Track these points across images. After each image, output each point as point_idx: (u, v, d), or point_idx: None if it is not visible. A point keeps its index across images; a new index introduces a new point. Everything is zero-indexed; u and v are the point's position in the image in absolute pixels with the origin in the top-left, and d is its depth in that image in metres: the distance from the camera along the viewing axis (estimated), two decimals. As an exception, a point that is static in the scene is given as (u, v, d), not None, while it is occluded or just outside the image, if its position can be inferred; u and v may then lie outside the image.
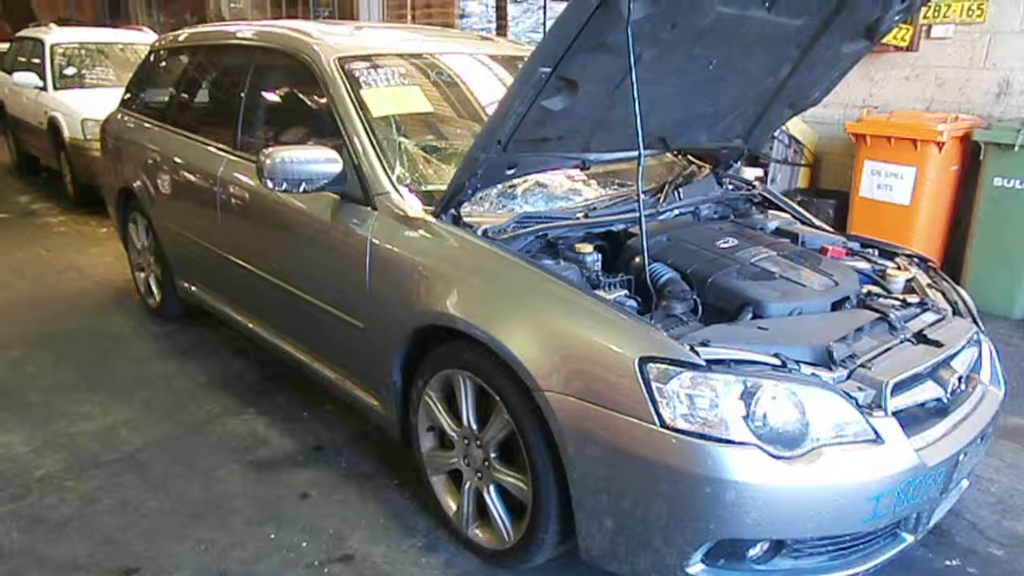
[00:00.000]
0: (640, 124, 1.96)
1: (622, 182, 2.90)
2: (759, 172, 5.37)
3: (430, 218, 2.28)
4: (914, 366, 1.93)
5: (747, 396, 1.71)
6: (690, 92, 2.39)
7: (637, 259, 2.33)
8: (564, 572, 2.18)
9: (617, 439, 1.77)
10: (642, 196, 2.20)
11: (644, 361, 1.75)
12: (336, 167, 2.42)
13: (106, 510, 2.46)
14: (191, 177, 3.35)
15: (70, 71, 6.90)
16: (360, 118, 2.57)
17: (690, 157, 3.24)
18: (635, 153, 2.68)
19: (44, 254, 5.24)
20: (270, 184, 2.37)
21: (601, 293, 2.03)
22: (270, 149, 2.40)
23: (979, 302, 4.51)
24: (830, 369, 1.84)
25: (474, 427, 2.18)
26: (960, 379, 2.03)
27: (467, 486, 2.24)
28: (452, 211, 2.27)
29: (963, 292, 2.50)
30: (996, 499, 2.60)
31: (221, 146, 3.22)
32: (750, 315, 2.06)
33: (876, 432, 1.76)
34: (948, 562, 2.28)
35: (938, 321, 2.21)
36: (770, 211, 3.04)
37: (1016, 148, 4.08)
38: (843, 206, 4.87)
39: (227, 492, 2.56)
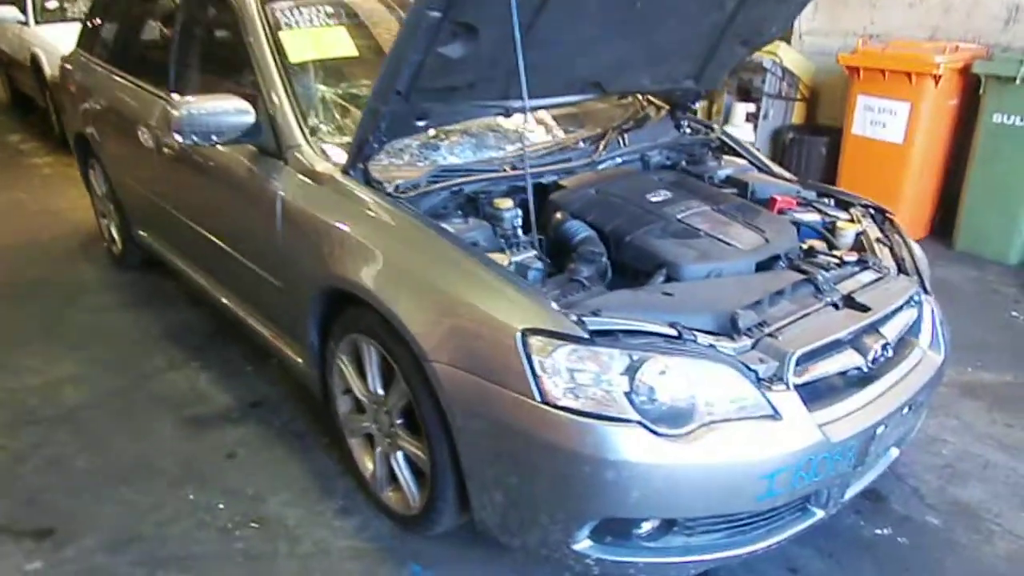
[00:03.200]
0: (524, 71, 1.80)
1: (566, 128, 2.74)
2: (751, 107, 5.15)
3: (337, 174, 2.17)
4: (830, 334, 1.80)
5: (631, 371, 1.61)
6: (620, 32, 2.21)
7: (557, 215, 2.21)
8: (476, 539, 2.15)
9: (502, 413, 1.69)
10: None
11: (526, 333, 1.65)
12: (248, 118, 2.30)
13: (34, 469, 2.47)
14: (132, 124, 3.25)
15: (52, 4, 6.72)
16: (276, 63, 2.43)
17: (651, 99, 3.05)
18: (568, 98, 2.59)
19: (23, 197, 5.23)
20: (179, 138, 2.26)
21: (500, 257, 1.91)
22: (178, 99, 2.30)
23: (974, 247, 4.32)
24: (732, 339, 1.72)
25: (380, 393, 2.12)
26: (886, 346, 1.89)
27: (378, 451, 2.20)
28: (361, 166, 2.15)
29: (915, 247, 2.33)
30: (945, 462, 2.49)
31: (156, 91, 3.10)
32: (663, 278, 1.94)
33: (773, 407, 1.66)
34: (878, 531, 2.20)
35: (875, 281, 2.06)
36: (727, 157, 2.86)
37: (1018, 82, 3.79)
38: (835, 144, 4.62)
39: (157, 451, 2.55)
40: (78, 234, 4.54)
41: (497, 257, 1.91)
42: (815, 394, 1.77)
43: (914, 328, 2.09)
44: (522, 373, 1.64)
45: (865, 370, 1.86)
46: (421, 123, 2.16)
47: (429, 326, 1.81)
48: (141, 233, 3.64)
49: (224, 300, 2.93)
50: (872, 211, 2.50)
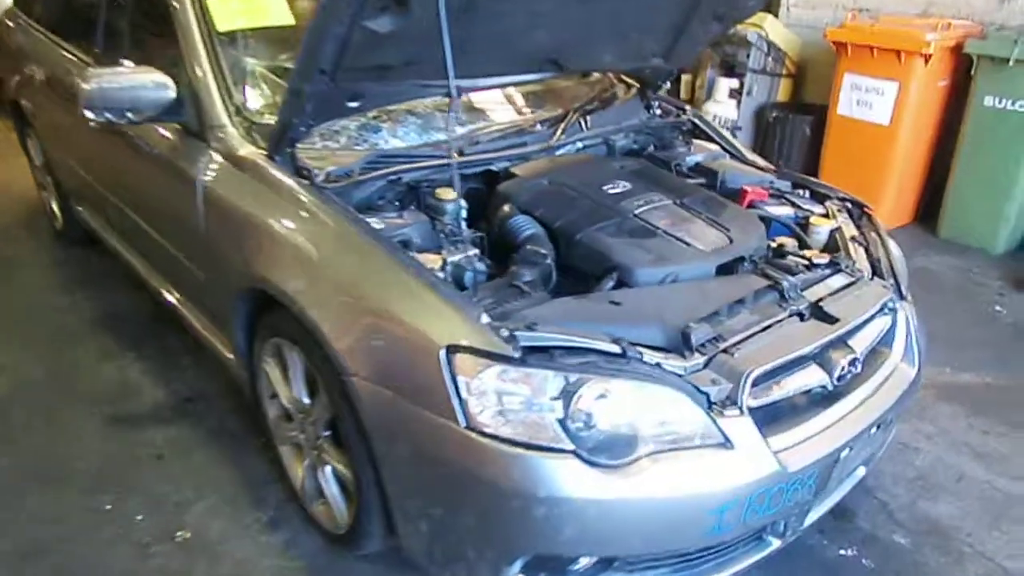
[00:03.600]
0: (453, 47, 1.61)
1: (526, 108, 2.54)
2: (734, 83, 4.92)
3: (261, 160, 1.96)
4: (792, 350, 1.64)
5: (567, 395, 1.44)
6: (576, 7, 2.00)
7: (504, 208, 2.02)
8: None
9: (425, 439, 1.52)
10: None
11: (451, 350, 1.47)
12: (167, 94, 2.09)
13: (-62, 470, 2.30)
14: (62, 94, 3.01)
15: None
16: (200, 32, 2.21)
17: (623, 77, 2.84)
18: (524, 77, 2.38)
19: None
20: (90, 115, 2.05)
21: (432, 258, 1.72)
22: (90, 72, 2.07)
23: (959, 234, 4.16)
24: (683, 356, 1.55)
25: (306, 402, 1.94)
26: (854, 361, 1.73)
27: (306, 462, 2.03)
28: (288, 151, 1.94)
29: (892, 247, 2.16)
30: (917, 474, 2.35)
31: (85, 58, 2.86)
32: (613, 282, 1.76)
33: (724, 435, 1.50)
34: (842, 551, 2.06)
35: (847, 286, 1.89)
36: (698, 142, 2.67)
37: (1011, 63, 3.59)
38: (821, 124, 4.41)
39: (77, 452, 2.37)
40: (24, 206, 4.29)
41: (430, 258, 1.72)
42: (772, 416, 1.61)
43: (887, 337, 1.93)
44: (446, 395, 1.46)
45: (830, 388, 1.70)
46: (354, 104, 1.95)
47: (349, 337, 1.62)
48: (78, 208, 3.42)
49: (157, 286, 2.73)
50: (849, 205, 2.32)
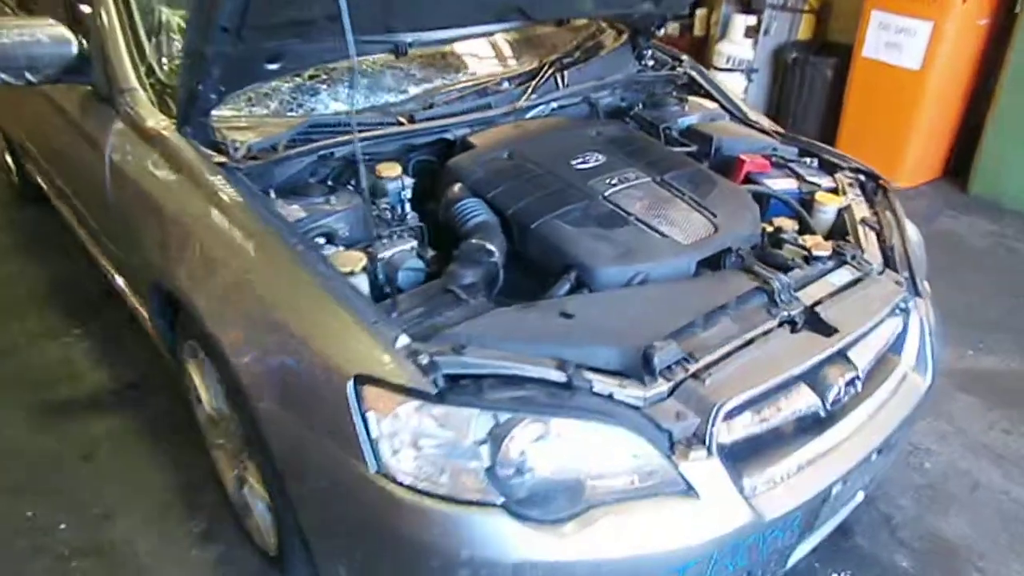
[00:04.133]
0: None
1: (492, 62, 2.22)
2: (751, 20, 4.49)
3: (170, 132, 1.69)
4: (778, 371, 1.37)
5: (496, 438, 1.20)
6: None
7: (454, 188, 1.74)
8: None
9: (336, 478, 1.29)
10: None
11: (360, 381, 1.22)
12: (67, 50, 1.81)
13: None
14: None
15: None
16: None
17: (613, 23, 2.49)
18: (485, 28, 2.07)
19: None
20: (-18, 76, 1.78)
21: (351, 257, 1.45)
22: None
23: (991, 190, 3.78)
24: (643, 383, 1.29)
25: (226, 412, 1.72)
26: (854, 380, 1.46)
27: (235, 472, 1.82)
28: (200, 122, 1.66)
29: (910, 230, 1.86)
30: (927, 482, 2.10)
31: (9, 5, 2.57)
32: (569, 284, 1.49)
33: (687, 482, 1.25)
34: (835, 575, 1.83)
35: (853, 283, 1.61)
36: (694, 99, 2.34)
37: (1063, -2, 3.17)
38: (844, 67, 4.01)
39: (4, 447, 2.18)
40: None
41: (352, 256, 1.45)
42: (749, 449, 1.35)
43: (897, 343, 1.65)
44: (355, 435, 1.22)
45: (822, 414, 1.44)
46: (273, 66, 1.66)
47: (252, 355, 1.38)
48: (28, 165, 3.17)
49: (94, 255, 2.49)
50: (863, 177, 2.01)
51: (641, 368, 1.29)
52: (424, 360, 1.21)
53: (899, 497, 2.04)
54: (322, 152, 1.70)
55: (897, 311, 1.64)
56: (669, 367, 1.31)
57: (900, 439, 1.63)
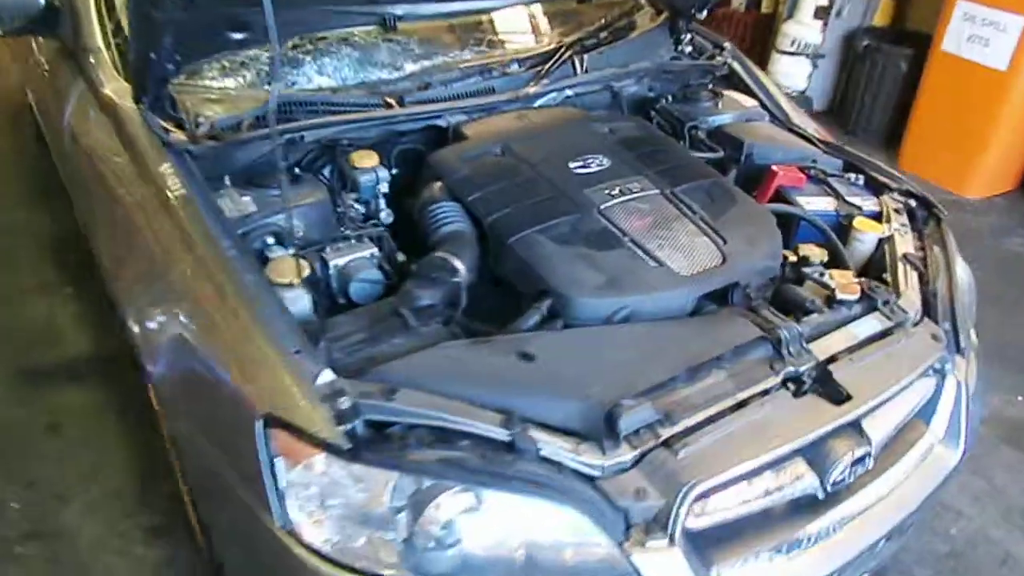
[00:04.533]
0: None
1: (503, 38, 2.00)
2: (822, 0, 4.10)
3: (127, 102, 1.53)
4: (769, 445, 1.16)
5: (418, 505, 1.02)
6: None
7: (434, 186, 1.54)
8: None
9: (242, 522, 1.14)
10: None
11: (270, 423, 1.06)
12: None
13: None
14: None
15: None
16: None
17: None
18: (487, 3, 1.85)
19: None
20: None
21: (288, 269, 1.28)
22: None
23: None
24: (603, 450, 1.09)
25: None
26: (863, 459, 1.24)
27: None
28: (159, 93, 1.50)
29: (960, 271, 1.59)
30: (950, 548, 1.86)
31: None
32: (538, 316, 1.29)
33: (641, 576, 1.06)
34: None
35: (880, 335, 1.37)
36: (731, 94, 2.08)
37: None
38: (921, 60, 3.63)
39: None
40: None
41: (289, 266, 1.28)
42: (724, 532, 1.15)
43: (927, 408, 1.41)
44: (263, 482, 1.06)
45: (820, 496, 1.22)
46: (239, 35, 1.49)
47: (165, 368, 1.23)
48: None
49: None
50: (913, 203, 1.74)
51: (603, 430, 1.10)
52: (344, 404, 1.04)
53: (916, 566, 1.81)
54: (290, 136, 1.52)
55: (931, 372, 1.40)
56: (637, 431, 1.11)
57: (916, 521, 1.41)
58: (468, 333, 1.30)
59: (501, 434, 1.06)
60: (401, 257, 1.47)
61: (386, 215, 1.56)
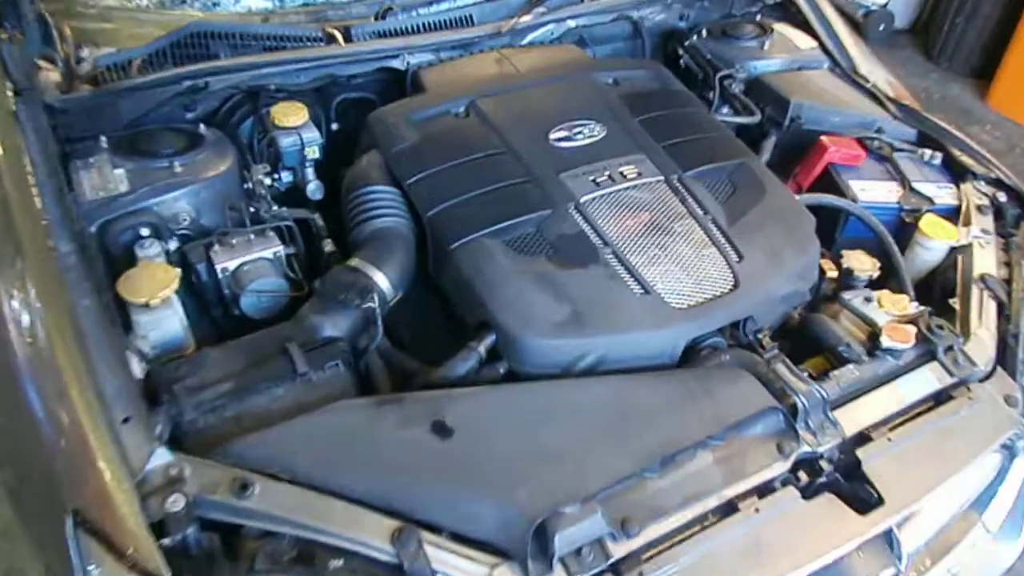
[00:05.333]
0: None
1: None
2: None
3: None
4: (765, 573, 0.86)
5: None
6: None
7: (363, 161, 1.21)
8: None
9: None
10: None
11: (81, 522, 0.79)
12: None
13: None
14: None
15: None
16: None
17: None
18: None
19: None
20: None
21: (139, 281, 0.97)
22: None
23: None
24: (526, 573, 0.81)
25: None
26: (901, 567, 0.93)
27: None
28: (25, 22, 1.17)
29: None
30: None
31: None
32: (476, 359, 0.98)
33: None
34: None
35: (935, 401, 1.03)
36: (784, 29, 1.65)
37: None
38: (1007, 30, 3.00)
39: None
40: None
41: (153, 276, 0.98)
42: None
43: (985, 495, 1.08)
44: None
45: (831, 630, 0.93)
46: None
47: None
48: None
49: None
50: (1003, 196, 1.34)
51: (530, 548, 0.81)
52: (176, 506, 0.76)
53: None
54: (192, 82, 1.19)
55: (998, 448, 1.06)
56: (578, 550, 0.82)
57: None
58: (390, 367, 1.01)
59: (388, 553, 0.78)
60: (330, 247, 1.16)
61: (315, 188, 1.23)
